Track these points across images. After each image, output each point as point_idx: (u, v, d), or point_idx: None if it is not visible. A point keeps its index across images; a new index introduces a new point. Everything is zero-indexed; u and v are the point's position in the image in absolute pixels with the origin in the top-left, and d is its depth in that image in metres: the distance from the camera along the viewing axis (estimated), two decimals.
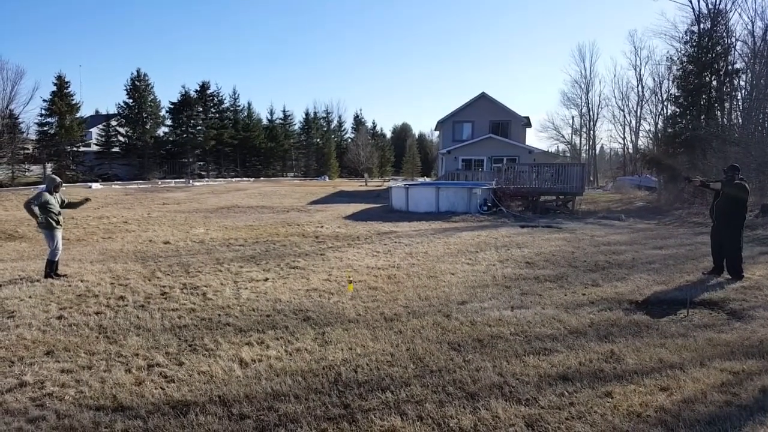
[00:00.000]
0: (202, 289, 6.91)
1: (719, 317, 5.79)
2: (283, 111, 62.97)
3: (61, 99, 38.67)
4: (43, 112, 39.07)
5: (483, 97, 35.36)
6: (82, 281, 7.44)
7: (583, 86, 58.18)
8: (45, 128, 39.34)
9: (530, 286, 7.07)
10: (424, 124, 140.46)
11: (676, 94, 28.13)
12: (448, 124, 36.40)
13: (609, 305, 6.11)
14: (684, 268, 8.57)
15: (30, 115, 66.77)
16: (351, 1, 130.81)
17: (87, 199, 8.64)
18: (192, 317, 5.59)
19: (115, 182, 36.09)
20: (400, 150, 76.74)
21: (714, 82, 25.50)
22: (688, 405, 3.48)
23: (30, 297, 6.50)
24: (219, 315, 5.67)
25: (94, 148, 44.69)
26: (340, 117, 72.65)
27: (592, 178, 52.32)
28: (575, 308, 5.93)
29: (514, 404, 3.47)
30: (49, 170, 39.18)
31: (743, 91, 27.39)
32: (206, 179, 45.59)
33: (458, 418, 3.28)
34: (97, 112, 56.58)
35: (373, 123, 77.51)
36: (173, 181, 39.69)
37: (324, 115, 68.81)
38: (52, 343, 4.76)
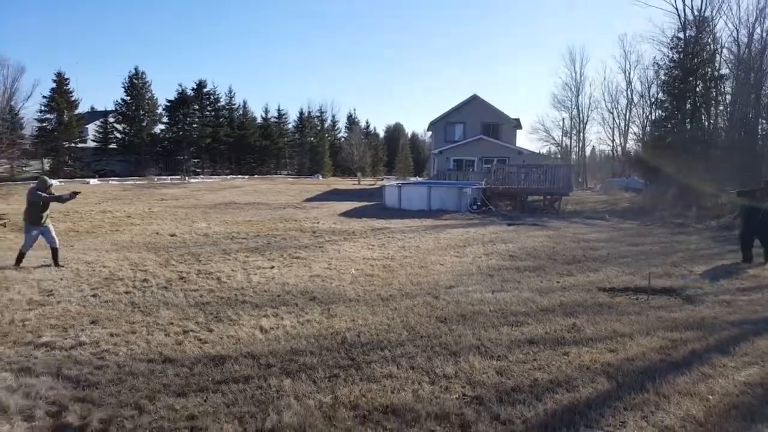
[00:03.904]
0: (216, 275, 7.65)
1: (675, 301, 6.62)
2: (278, 110, 63.81)
3: (60, 96, 39.13)
4: (43, 108, 39.55)
5: (475, 99, 36.29)
6: (104, 267, 8.14)
7: (573, 89, 59.26)
8: (44, 124, 39.77)
9: (511, 275, 7.89)
10: (417, 124, 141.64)
11: (662, 98, 29.10)
12: (441, 125, 37.29)
13: (578, 290, 6.94)
14: (653, 262, 9.42)
15: (29, 111, 66.33)
16: (345, 2, 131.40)
17: (76, 192, 8.48)
18: (212, 296, 6.35)
19: (112, 178, 36.58)
20: (393, 149, 77.53)
21: (699, 88, 26.39)
22: (628, 361, 4.31)
23: (61, 279, 7.21)
24: (235, 294, 6.43)
25: (91, 144, 45.05)
26: (333, 116, 73.41)
27: (581, 180, 53.42)
28: (548, 292, 6.76)
29: (488, 359, 4.29)
30: (46, 166, 39.58)
31: (728, 97, 28.38)
32: (201, 176, 46.10)
33: (443, 367, 4.09)
34: (92, 108, 56.78)
35: (367, 122, 78.34)
36: (169, 177, 40.19)
37: (318, 114, 69.55)
38: (94, 314, 5.49)
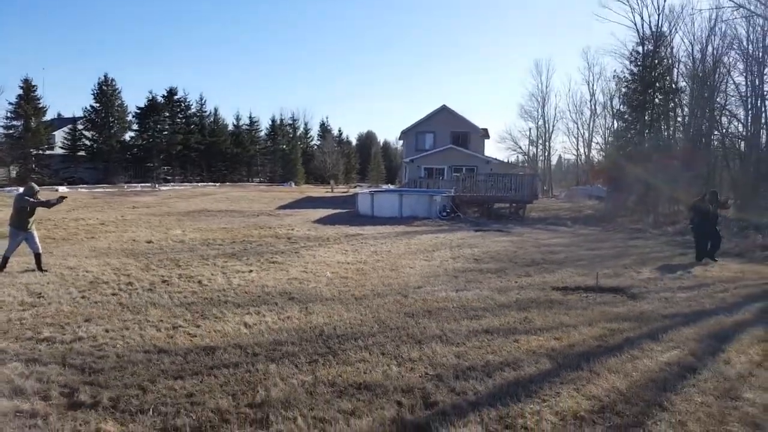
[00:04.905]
0: (197, 278, 8.04)
1: (620, 298, 7.38)
2: (250, 117, 63.32)
3: (27, 102, 38.35)
4: (9, 114, 38.71)
5: (444, 109, 37.34)
6: (87, 272, 8.40)
7: (539, 100, 61.52)
8: (10, 131, 38.91)
9: (474, 276, 8.58)
10: (389, 132, 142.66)
11: (623, 110, 30.57)
12: (411, 134, 38.19)
13: (534, 289, 7.67)
14: (606, 265, 10.28)
15: None
16: (317, 10, 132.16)
17: (63, 197, 8.96)
18: (196, 297, 6.77)
19: (81, 186, 35.95)
20: (366, 157, 78.22)
21: (657, 100, 27.82)
22: (570, 346, 5.00)
23: (48, 283, 7.46)
24: (218, 296, 6.87)
25: (59, 151, 44.07)
26: (306, 124, 73.33)
27: (546, 188, 55.27)
28: (506, 291, 7.47)
29: (449, 345, 4.92)
30: (13, 173, 38.60)
31: (685, 109, 29.99)
32: (172, 184, 45.60)
33: (409, 353, 4.69)
34: (59, 115, 55.32)
35: (339, 130, 78.56)
36: (139, 185, 39.73)
37: (290, 121, 69.45)
38: (87, 314, 5.85)
